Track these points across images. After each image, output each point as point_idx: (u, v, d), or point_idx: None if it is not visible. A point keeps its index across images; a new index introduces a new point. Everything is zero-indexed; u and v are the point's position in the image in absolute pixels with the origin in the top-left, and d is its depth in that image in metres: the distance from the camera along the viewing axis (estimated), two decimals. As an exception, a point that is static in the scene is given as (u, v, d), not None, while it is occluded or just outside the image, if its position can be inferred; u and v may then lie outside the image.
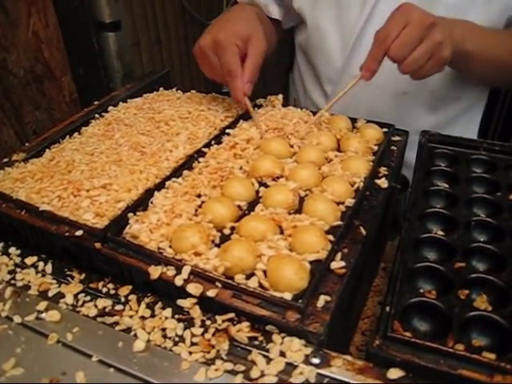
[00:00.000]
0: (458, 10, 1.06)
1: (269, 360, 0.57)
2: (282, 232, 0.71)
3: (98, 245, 0.69)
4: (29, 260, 0.75)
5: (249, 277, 0.63)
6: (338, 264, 0.65)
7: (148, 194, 0.78)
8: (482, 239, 0.73)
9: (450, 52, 0.89)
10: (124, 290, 0.68)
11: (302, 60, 1.34)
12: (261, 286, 0.62)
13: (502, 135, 2.29)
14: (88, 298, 0.68)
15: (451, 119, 1.24)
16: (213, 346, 0.59)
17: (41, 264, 0.74)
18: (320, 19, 1.21)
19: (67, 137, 0.99)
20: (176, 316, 0.63)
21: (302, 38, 1.32)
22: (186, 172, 0.84)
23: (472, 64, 1.02)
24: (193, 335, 0.60)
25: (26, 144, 0.99)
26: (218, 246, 0.68)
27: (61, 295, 0.68)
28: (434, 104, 1.20)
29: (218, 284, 0.62)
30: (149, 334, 0.61)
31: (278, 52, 1.37)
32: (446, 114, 1.23)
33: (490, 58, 1.02)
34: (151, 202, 0.77)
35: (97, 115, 1.07)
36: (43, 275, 0.72)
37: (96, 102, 1.15)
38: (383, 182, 0.82)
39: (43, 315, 0.65)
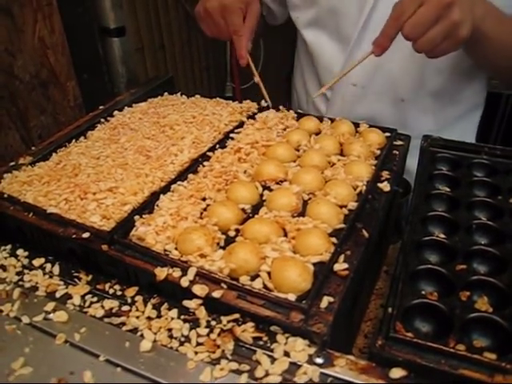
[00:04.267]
0: None
1: (273, 360, 0.58)
2: (285, 235, 0.72)
3: (104, 247, 0.70)
4: (36, 262, 0.76)
5: (253, 278, 0.64)
6: (340, 266, 0.66)
7: (154, 197, 0.80)
8: (482, 242, 0.74)
9: (469, 31, 0.84)
10: (130, 291, 0.69)
11: (306, 64, 1.36)
12: (265, 287, 0.63)
13: (504, 139, 2.30)
14: (95, 298, 0.69)
15: (450, 122, 1.25)
16: (218, 346, 0.60)
17: (48, 265, 0.75)
18: (318, 28, 1.23)
19: (73, 141, 1.00)
20: (182, 317, 0.64)
21: (302, 44, 1.34)
22: (191, 175, 0.86)
23: (485, 45, 0.96)
24: (198, 335, 0.61)
25: (33, 148, 1.00)
26: (222, 248, 0.69)
27: (68, 296, 0.69)
28: (433, 109, 1.22)
29: (223, 285, 0.63)
30: (155, 334, 0.62)
31: (279, 57, 1.39)
32: (444, 117, 1.24)
33: (502, 42, 0.97)
34: (157, 205, 0.78)
35: (102, 119, 1.08)
36: (51, 276, 0.73)
37: (101, 107, 1.16)
38: (385, 186, 0.83)
39: (51, 316, 0.66)
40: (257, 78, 1.11)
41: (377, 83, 1.13)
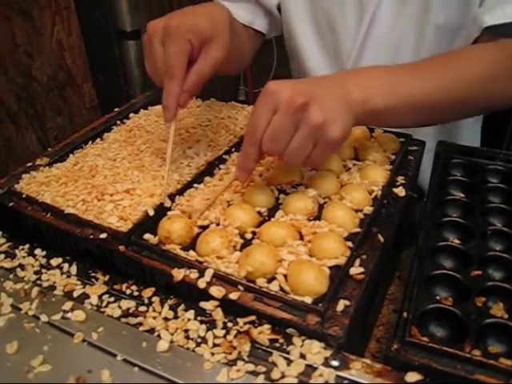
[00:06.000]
0: (446, 29, 1.06)
1: (289, 362, 0.58)
2: (301, 238, 0.72)
3: (121, 247, 0.71)
4: (54, 261, 0.76)
5: (270, 281, 0.64)
6: (356, 270, 0.66)
7: (170, 199, 0.80)
8: (498, 248, 0.74)
9: (342, 129, 0.71)
10: (147, 292, 0.69)
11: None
12: (282, 289, 0.63)
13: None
14: (112, 299, 0.69)
15: (453, 134, 1.24)
16: (234, 348, 0.60)
17: (66, 265, 0.76)
18: (316, 48, 1.23)
19: (90, 142, 1.01)
20: (198, 318, 0.64)
21: (295, 66, 1.33)
22: (207, 178, 0.86)
23: (397, 118, 0.84)
24: (215, 337, 0.62)
25: (49, 149, 1.02)
26: (239, 250, 0.70)
27: (85, 296, 0.70)
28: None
29: (240, 287, 0.63)
30: (172, 334, 0.63)
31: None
32: (446, 128, 1.23)
33: (419, 104, 0.83)
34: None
35: (118, 122, 1.09)
36: (68, 276, 0.74)
37: (116, 109, 1.17)
38: (401, 191, 0.83)
39: (69, 315, 0.67)
40: (169, 152, 0.85)
41: None
